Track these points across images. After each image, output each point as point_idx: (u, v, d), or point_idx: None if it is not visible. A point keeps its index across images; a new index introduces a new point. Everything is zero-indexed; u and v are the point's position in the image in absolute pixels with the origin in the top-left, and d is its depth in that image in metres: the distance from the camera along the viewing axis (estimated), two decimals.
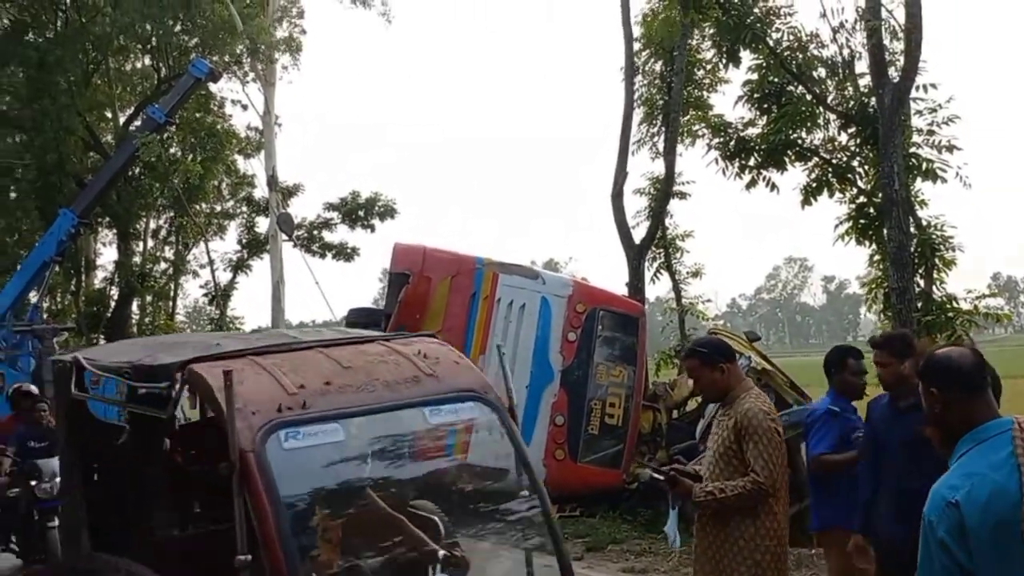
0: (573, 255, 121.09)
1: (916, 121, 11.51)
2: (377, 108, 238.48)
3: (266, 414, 3.48)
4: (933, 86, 11.25)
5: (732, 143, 12.83)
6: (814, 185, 12.27)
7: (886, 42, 11.09)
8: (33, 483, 7.79)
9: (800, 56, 11.86)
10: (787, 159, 12.27)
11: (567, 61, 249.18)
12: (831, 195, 12.34)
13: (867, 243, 12.06)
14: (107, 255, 33.12)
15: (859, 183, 12.14)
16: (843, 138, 12.33)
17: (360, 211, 26.69)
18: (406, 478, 4.32)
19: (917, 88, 10.96)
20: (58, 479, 7.40)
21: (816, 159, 12.39)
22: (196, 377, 3.73)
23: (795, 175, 12.65)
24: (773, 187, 12.51)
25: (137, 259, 29.33)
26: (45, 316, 22.93)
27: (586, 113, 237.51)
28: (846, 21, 11.57)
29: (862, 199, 12.08)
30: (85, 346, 27.99)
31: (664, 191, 14.27)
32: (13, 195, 26.38)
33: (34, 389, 9.16)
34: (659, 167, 15.44)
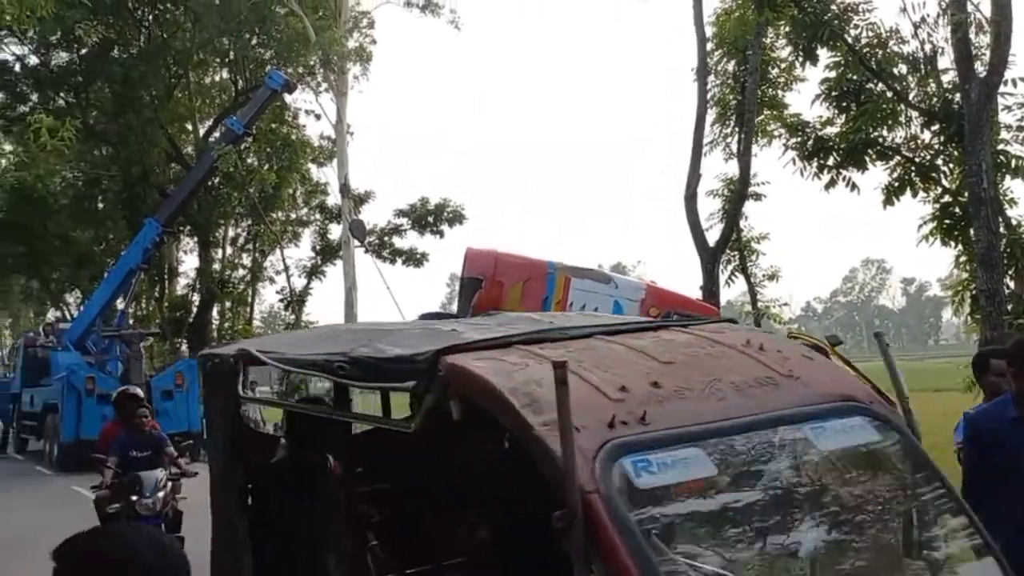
0: (641, 258, 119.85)
1: (1004, 117, 11.14)
2: (441, 114, 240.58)
3: (596, 431, 2.27)
4: None
5: (810, 142, 12.57)
6: (896, 184, 11.94)
7: (971, 36, 10.73)
8: (134, 498, 7.10)
9: (880, 52, 11.57)
10: (868, 158, 11.97)
11: (630, 64, 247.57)
12: (914, 195, 12.01)
13: (953, 244, 11.69)
14: (189, 262, 34.22)
15: (944, 182, 11.78)
16: (926, 136, 12.01)
17: (429, 217, 26.95)
18: (820, 542, 2.62)
19: (1005, 83, 10.58)
20: (160, 493, 7.19)
21: (898, 158, 12.07)
22: (464, 375, 2.55)
23: (876, 174, 12.34)
24: (853, 187, 12.21)
25: (217, 266, 30.19)
26: (131, 321, 23.78)
27: (650, 115, 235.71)
28: (928, 15, 11.27)
29: (947, 198, 11.72)
30: (169, 351, 28.99)
31: (739, 192, 14.05)
32: (100, 206, 27.46)
33: (139, 392, 8.56)
34: (732, 168, 15.25)
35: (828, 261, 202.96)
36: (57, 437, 19.13)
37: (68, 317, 32.43)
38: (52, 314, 37.97)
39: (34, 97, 27.71)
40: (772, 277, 15.40)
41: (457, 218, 27.19)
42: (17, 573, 9.13)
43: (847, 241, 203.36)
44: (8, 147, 32.47)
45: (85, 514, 13.12)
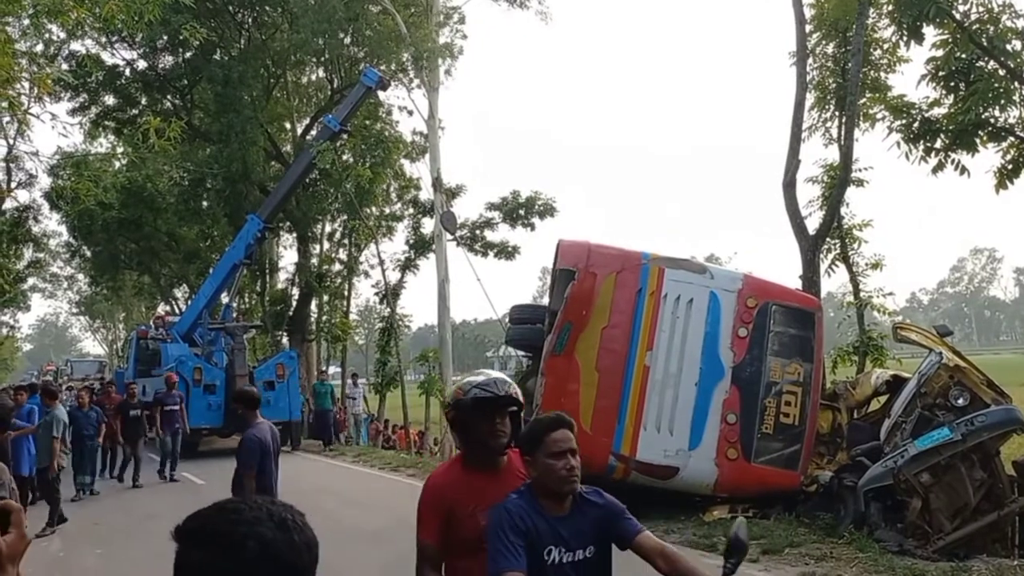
0: (737, 250, 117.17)
1: None
2: (535, 110, 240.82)
3: None
4: None
5: (916, 124, 11.99)
6: (1010, 167, 11.29)
7: None
8: None
9: (991, 28, 10.96)
10: (978, 140, 11.35)
11: (725, 53, 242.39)
12: None
13: None
14: (288, 257, 35.29)
15: None
16: None
17: (520, 210, 27.04)
18: None
19: None
20: None
21: (1011, 139, 11.40)
22: None
23: (987, 157, 11.69)
24: (963, 170, 11.60)
25: (315, 261, 31.00)
26: (235, 315, 24.65)
27: (747, 103, 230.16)
28: None
29: None
30: (271, 343, 29.95)
31: (841, 178, 13.55)
32: (205, 203, 28.53)
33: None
34: (832, 153, 14.73)
35: (935, 250, 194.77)
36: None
37: (177, 311, 33.92)
38: (162, 308, 39.78)
39: (143, 100, 29.02)
40: (876, 266, 14.75)
41: (548, 211, 27.24)
42: (138, 554, 9.59)
43: (955, 229, 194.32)
44: (120, 149, 34.12)
45: (196, 499, 13.68)
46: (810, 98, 14.55)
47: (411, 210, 30.22)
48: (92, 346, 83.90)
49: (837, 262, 14.65)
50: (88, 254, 37.50)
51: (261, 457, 6.71)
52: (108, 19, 12.60)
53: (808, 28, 14.21)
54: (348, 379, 28.08)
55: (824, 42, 14.76)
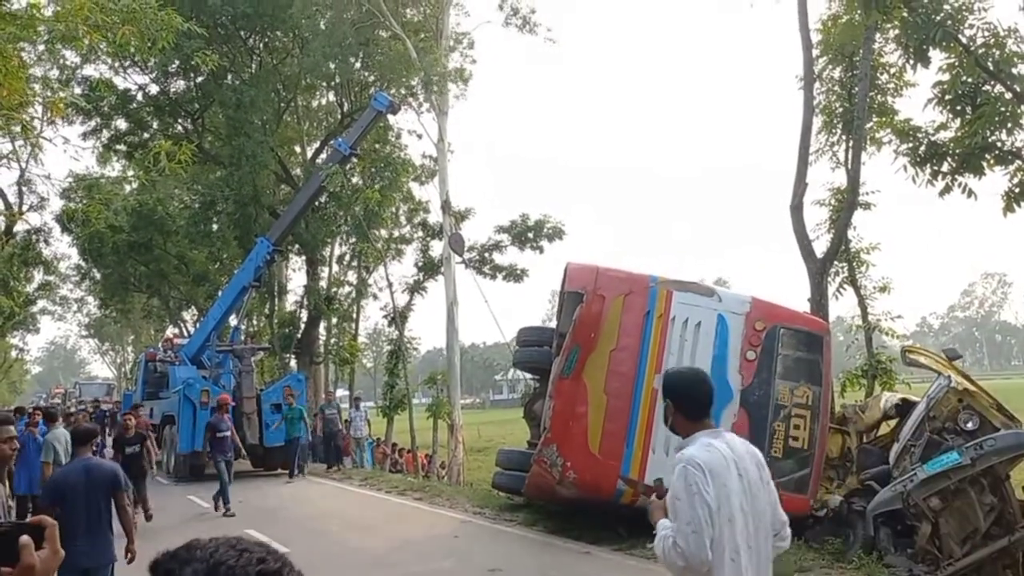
0: (742, 270, 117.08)
1: None
2: (544, 132, 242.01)
3: None
4: None
5: (922, 148, 12.01)
6: (1018, 190, 11.27)
7: None
8: None
9: (997, 52, 10.97)
10: (985, 163, 11.35)
11: (732, 77, 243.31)
12: None
13: None
14: (297, 280, 35.41)
15: None
16: None
17: (529, 233, 27.11)
18: None
19: None
20: None
21: (1019, 162, 11.40)
22: None
23: (994, 180, 11.68)
24: (970, 194, 11.59)
25: (323, 283, 31.10)
26: (243, 337, 24.70)
27: (754, 128, 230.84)
28: None
29: None
30: (279, 366, 29.99)
31: (848, 201, 13.56)
32: (215, 226, 28.72)
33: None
34: (840, 177, 14.75)
35: (945, 274, 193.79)
36: (174, 448, 20.00)
37: (186, 333, 34.03)
38: (171, 330, 39.91)
39: (155, 124, 29.32)
40: (883, 289, 14.71)
41: (557, 234, 27.29)
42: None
43: (965, 253, 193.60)
44: (132, 172, 34.42)
45: (201, 522, 13.65)
46: (817, 122, 14.61)
47: (420, 233, 30.36)
48: (100, 369, 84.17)
49: (845, 285, 14.62)
50: (98, 276, 37.73)
51: (61, 496, 6.17)
52: (122, 45, 12.78)
53: (815, 53, 14.29)
54: (353, 402, 28.03)
55: (831, 67, 14.84)
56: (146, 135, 29.05)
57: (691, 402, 3.41)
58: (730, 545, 3.11)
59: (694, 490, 3.10)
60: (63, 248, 37.84)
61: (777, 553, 3.21)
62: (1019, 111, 11.03)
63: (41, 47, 13.32)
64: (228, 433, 15.34)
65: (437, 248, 27.99)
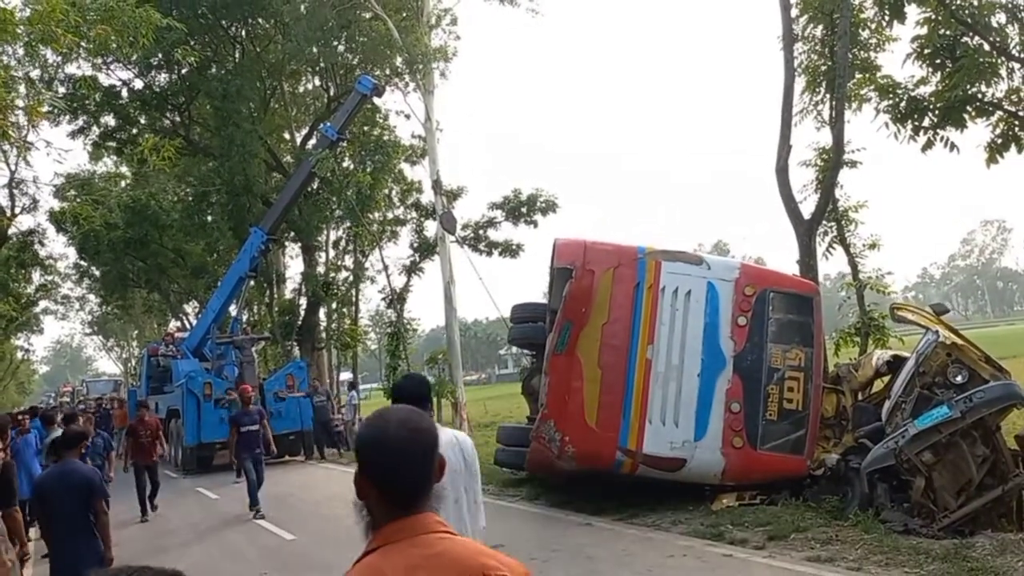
0: (745, 236, 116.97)
1: None
2: (538, 111, 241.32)
3: None
4: None
5: (903, 104, 12.00)
6: (1000, 141, 11.28)
7: None
8: None
9: (974, 3, 10.95)
10: (967, 116, 11.35)
11: (715, 39, 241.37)
12: (1020, 150, 11.32)
13: None
14: (294, 267, 35.44)
15: None
16: None
17: (523, 208, 27.10)
18: None
19: None
20: None
21: (1000, 113, 11.40)
22: None
23: (977, 132, 11.69)
24: (952, 147, 11.61)
25: (321, 269, 31.14)
26: (244, 327, 24.80)
27: (739, 90, 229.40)
28: None
29: None
30: (282, 354, 30.13)
31: (834, 161, 13.56)
32: (209, 218, 28.72)
33: None
34: (825, 136, 14.72)
35: (945, 224, 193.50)
36: (180, 441, 20.18)
37: (187, 326, 34.17)
38: (173, 324, 40.06)
39: (142, 119, 29.23)
40: (873, 246, 14.75)
41: (550, 207, 27.27)
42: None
43: (963, 202, 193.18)
44: (124, 168, 34.40)
45: (209, 514, 13.80)
46: (801, 82, 14.56)
47: (414, 214, 30.34)
48: (107, 365, 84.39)
49: (835, 244, 14.66)
50: (97, 274, 37.81)
51: (41, 501, 6.12)
52: (101, 44, 12.76)
53: (794, 12, 14.22)
54: (348, 387, 28.19)
55: (812, 25, 14.75)
56: (134, 130, 28.97)
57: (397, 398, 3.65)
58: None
59: None
60: (59, 248, 37.94)
61: None
62: (998, 62, 11.02)
63: (21, 51, 13.23)
64: (255, 428, 13.45)
65: (431, 228, 28.01)
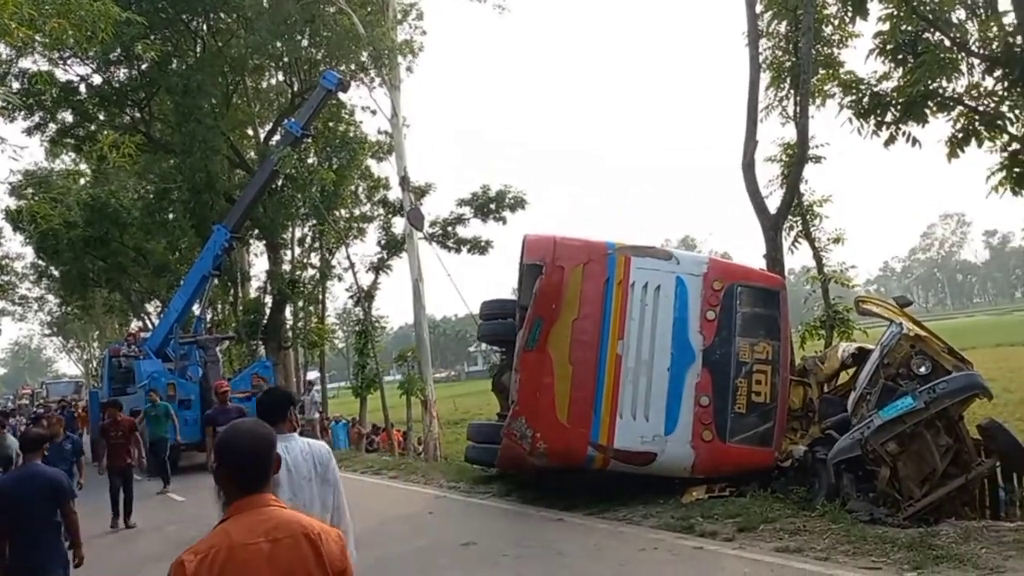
0: (712, 231, 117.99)
1: None
2: (506, 107, 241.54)
3: None
4: None
5: (865, 99, 12.14)
6: (960, 136, 11.47)
7: None
8: None
9: (935, 0, 11.10)
10: (928, 111, 11.51)
11: (681, 35, 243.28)
12: (980, 145, 11.51)
13: None
14: (259, 265, 35.08)
15: (1010, 129, 11.28)
16: (989, 83, 11.49)
17: (491, 204, 27.05)
18: None
19: None
20: None
21: (960, 108, 11.58)
22: None
23: (938, 127, 11.88)
24: (914, 142, 11.77)
25: (286, 267, 30.83)
26: (208, 327, 24.49)
27: (706, 86, 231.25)
28: None
29: (1015, 146, 11.22)
30: (247, 353, 29.80)
31: (799, 156, 13.70)
32: (171, 216, 28.30)
33: None
34: (790, 132, 14.87)
35: (905, 219, 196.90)
36: (144, 443, 19.84)
37: (149, 326, 33.67)
38: (135, 324, 39.44)
39: (101, 115, 28.68)
40: (837, 240, 14.95)
41: (519, 203, 27.23)
42: (113, 565, 9.58)
43: (923, 197, 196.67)
44: (83, 166, 33.76)
45: (176, 517, 13.59)
46: (765, 78, 14.68)
47: (381, 210, 30.15)
48: (68, 367, 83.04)
49: (800, 239, 14.82)
50: (56, 274, 37.10)
51: (5, 505, 5.87)
52: (58, 38, 12.48)
53: (759, 8, 14.32)
54: (306, 386, 28.02)
55: (776, 22, 14.87)
56: (93, 127, 28.44)
57: (272, 415, 4.25)
58: None
59: None
60: (16, 247, 37.13)
61: None
62: (958, 58, 11.19)
63: None
64: None
65: (399, 225, 27.87)
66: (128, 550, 11.22)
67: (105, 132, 22.02)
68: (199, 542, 2.46)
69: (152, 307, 38.42)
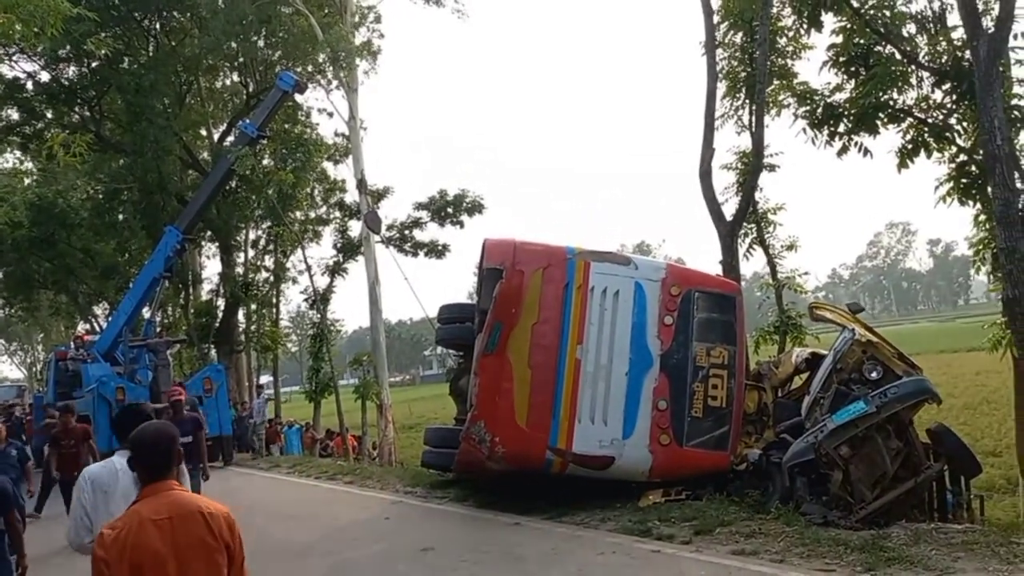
0: (665, 237, 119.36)
1: (1016, 71, 10.93)
2: (464, 112, 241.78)
3: None
4: None
5: (819, 110, 12.41)
6: (910, 147, 11.78)
7: None
8: None
9: (887, 14, 11.39)
10: (879, 122, 11.80)
11: (639, 44, 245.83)
12: (928, 156, 11.84)
13: (971, 203, 11.53)
14: (211, 268, 34.55)
15: (958, 141, 11.62)
16: (938, 96, 11.83)
17: (449, 208, 27.01)
18: None
19: (1015, 37, 10.40)
20: None
21: (910, 120, 11.90)
22: None
23: (889, 138, 12.18)
24: (866, 152, 12.06)
25: (240, 270, 30.41)
26: (158, 330, 24.02)
27: (662, 92, 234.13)
28: None
29: (962, 157, 11.56)
30: (198, 357, 29.32)
31: (754, 165, 13.93)
32: (120, 216, 27.73)
33: None
34: (745, 141, 15.12)
35: (853, 227, 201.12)
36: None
37: (97, 329, 32.89)
38: (82, 327, 38.50)
39: (48, 113, 28.02)
40: (790, 247, 15.26)
41: (476, 208, 27.23)
42: None
43: (869, 206, 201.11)
44: (28, 164, 32.89)
45: None
46: (722, 87, 14.90)
47: (337, 213, 29.93)
48: (10, 370, 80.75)
49: (755, 245, 15.06)
50: None
51: None
52: (4, 32, 12.14)
53: (716, 19, 14.54)
54: (256, 390, 27.68)
55: (732, 32, 15.12)
56: (40, 125, 27.79)
57: (122, 431, 4.60)
58: None
59: (77, 494, 4.48)
60: None
61: None
62: (909, 71, 11.48)
63: None
64: (188, 439, 10.61)
65: (356, 228, 27.70)
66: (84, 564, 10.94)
67: (53, 130, 21.56)
68: (117, 519, 3.18)
69: (100, 310, 37.54)
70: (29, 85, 26.86)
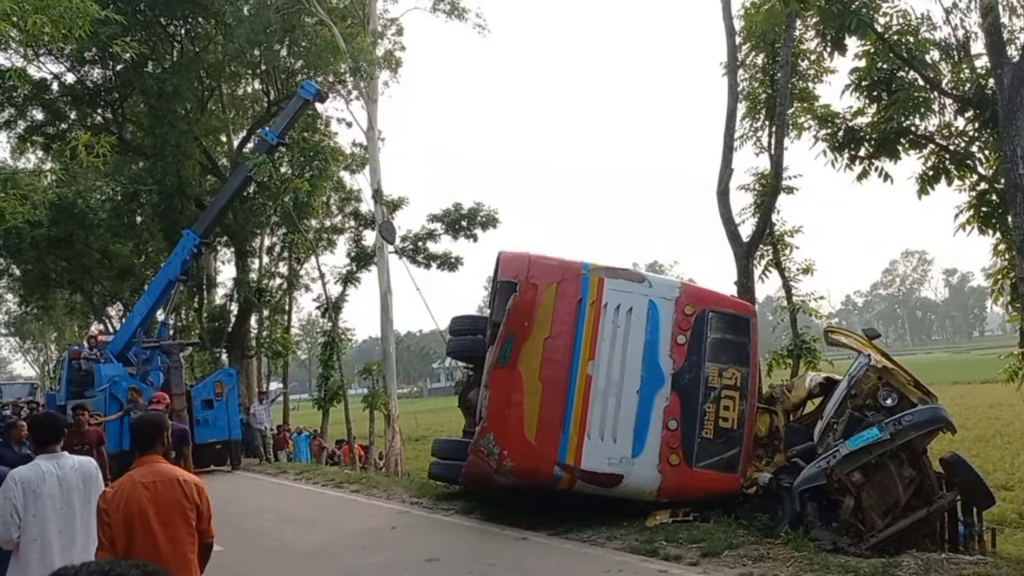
0: (677, 258, 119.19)
1: None
2: (480, 126, 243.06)
3: None
4: None
5: (841, 133, 12.37)
6: (931, 173, 11.72)
7: (1004, 19, 10.52)
8: None
9: (911, 40, 11.37)
10: (900, 147, 11.76)
11: (659, 65, 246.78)
12: (949, 183, 11.78)
13: (990, 232, 11.45)
14: (226, 272, 34.73)
15: (979, 169, 11.55)
16: (960, 123, 11.80)
17: (463, 221, 27.05)
18: None
19: None
20: None
21: (932, 146, 11.85)
22: None
23: (909, 164, 12.12)
24: (886, 177, 12.01)
25: (254, 275, 30.52)
26: (172, 332, 24.10)
27: (682, 113, 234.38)
28: (959, 0, 11.05)
29: (983, 186, 11.50)
30: (209, 360, 29.40)
31: (772, 186, 13.89)
32: (139, 219, 27.90)
33: None
34: (764, 162, 15.09)
35: (868, 254, 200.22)
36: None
37: (111, 329, 33.05)
38: (95, 327, 38.69)
39: (72, 115, 28.29)
40: (807, 271, 15.18)
41: (491, 222, 27.26)
42: None
43: (886, 234, 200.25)
44: (49, 164, 33.19)
45: None
46: (742, 108, 14.90)
47: (352, 222, 30.02)
48: (23, 368, 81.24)
49: (770, 268, 15.00)
50: (17, 273, 36.32)
51: None
52: (34, 34, 12.27)
53: (738, 40, 14.56)
54: (259, 397, 27.71)
55: (754, 53, 15.13)
56: (64, 126, 28.04)
57: (39, 436, 5.20)
58: (36, 531, 4.83)
59: (7, 494, 4.85)
60: None
61: None
62: (931, 97, 11.44)
63: None
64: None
65: (370, 238, 27.76)
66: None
67: (76, 131, 21.74)
68: (117, 481, 4.28)
69: (114, 311, 37.73)
70: (55, 86, 27.15)
